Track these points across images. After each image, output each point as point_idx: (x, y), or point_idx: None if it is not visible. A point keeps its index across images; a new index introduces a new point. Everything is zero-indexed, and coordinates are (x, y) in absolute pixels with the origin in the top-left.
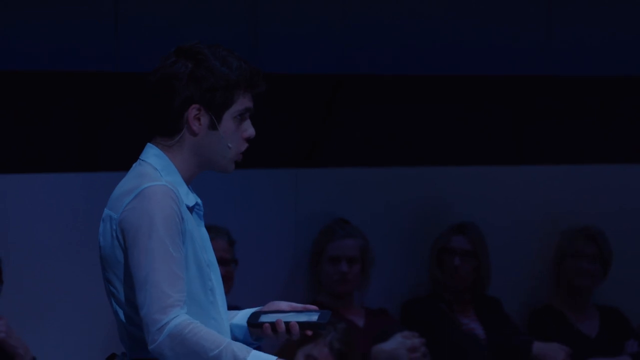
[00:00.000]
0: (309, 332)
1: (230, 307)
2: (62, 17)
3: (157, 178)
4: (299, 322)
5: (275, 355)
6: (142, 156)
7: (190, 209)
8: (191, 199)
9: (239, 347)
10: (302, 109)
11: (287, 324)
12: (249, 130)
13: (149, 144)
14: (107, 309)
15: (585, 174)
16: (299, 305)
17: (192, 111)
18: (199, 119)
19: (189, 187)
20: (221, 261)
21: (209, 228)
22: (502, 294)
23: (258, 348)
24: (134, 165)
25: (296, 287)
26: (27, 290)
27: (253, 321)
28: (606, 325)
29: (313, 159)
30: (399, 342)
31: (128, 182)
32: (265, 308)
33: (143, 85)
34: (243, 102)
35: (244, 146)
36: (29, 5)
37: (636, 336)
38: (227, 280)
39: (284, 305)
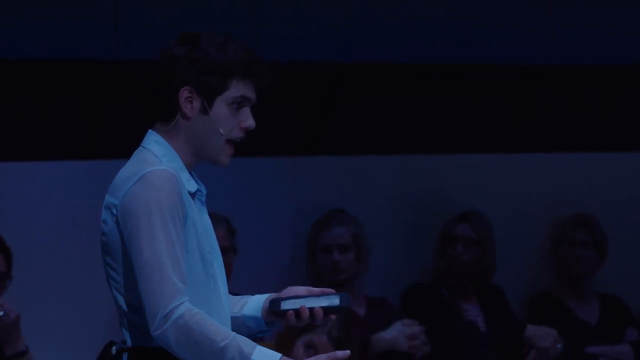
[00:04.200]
0: (333, 316)
1: (230, 294)
2: (62, 17)
3: (158, 164)
4: (322, 307)
5: (275, 343)
6: (143, 143)
7: (192, 195)
8: (192, 184)
9: (245, 342)
10: (303, 101)
11: (310, 309)
12: (248, 120)
13: (150, 130)
14: (107, 302)
15: (586, 163)
16: (316, 290)
17: (184, 93)
18: (191, 102)
19: (190, 174)
20: (220, 250)
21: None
22: (504, 283)
23: (259, 340)
24: (135, 152)
25: (296, 276)
26: (26, 283)
27: (275, 309)
28: (606, 313)
29: (314, 150)
30: (398, 330)
31: (129, 169)
32: (283, 294)
33: (144, 73)
34: (239, 90)
35: (238, 135)
36: (30, 3)
37: (636, 324)
38: (225, 268)
39: (301, 290)
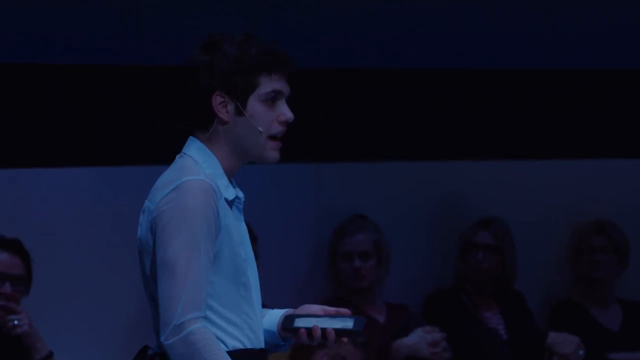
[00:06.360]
0: (345, 339)
1: None
2: (63, 20)
3: (197, 172)
4: (335, 329)
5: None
6: (184, 149)
7: (230, 203)
8: (231, 192)
9: None
10: (311, 106)
11: (323, 330)
12: (286, 113)
13: (190, 137)
14: (126, 306)
15: (605, 169)
16: (332, 309)
17: (216, 99)
18: (225, 106)
19: (230, 181)
20: None
21: None
22: (524, 289)
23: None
24: (176, 157)
25: (317, 282)
26: (45, 288)
27: (288, 325)
28: (629, 320)
29: (331, 154)
30: (419, 336)
31: (169, 175)
32: (298, 311)
33: (173, 80)
34: (270, 85)
35: (278, 129)
36: (31, 2)
37: None
38: None
39: (316, 308)
